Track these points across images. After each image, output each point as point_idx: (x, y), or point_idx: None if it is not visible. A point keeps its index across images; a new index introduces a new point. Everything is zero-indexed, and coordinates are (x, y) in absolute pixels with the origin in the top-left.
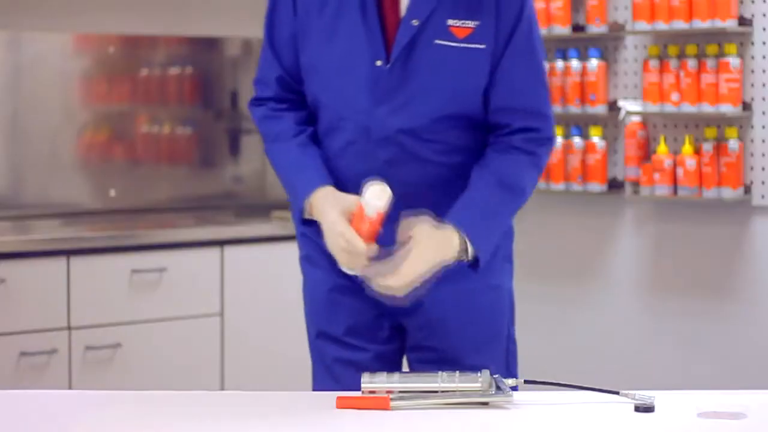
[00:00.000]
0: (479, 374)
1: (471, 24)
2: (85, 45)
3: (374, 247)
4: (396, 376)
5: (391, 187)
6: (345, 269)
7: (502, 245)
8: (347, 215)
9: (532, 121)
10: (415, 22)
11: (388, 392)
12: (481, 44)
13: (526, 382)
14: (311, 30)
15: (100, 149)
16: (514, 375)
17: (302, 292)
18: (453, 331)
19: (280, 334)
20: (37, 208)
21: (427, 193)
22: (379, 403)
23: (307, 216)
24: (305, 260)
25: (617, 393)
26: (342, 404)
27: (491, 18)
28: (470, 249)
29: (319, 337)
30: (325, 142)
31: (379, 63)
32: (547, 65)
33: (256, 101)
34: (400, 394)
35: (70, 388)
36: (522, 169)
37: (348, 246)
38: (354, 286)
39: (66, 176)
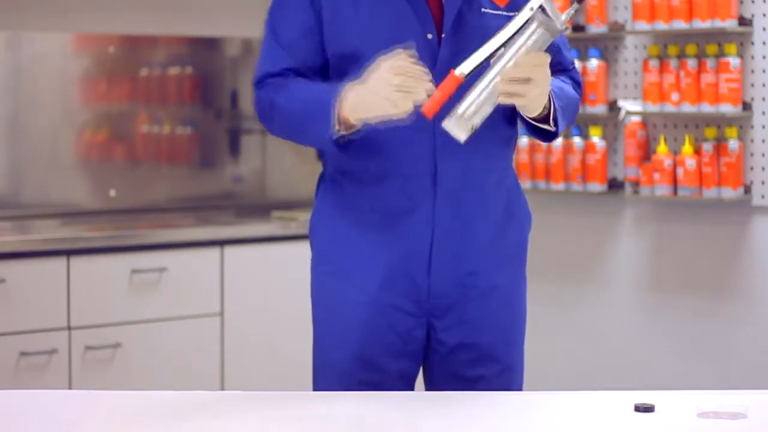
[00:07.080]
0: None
1: None
2: (85, 45)
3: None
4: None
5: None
6: (401, 109)
7: (520, 252)
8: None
9: (573, 73)
10: None
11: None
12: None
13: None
14: (346, 19)
15: (100, 149)
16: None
17: (318, 306)
18: (490, 324)
19: (280, 334)
20: (37, 208)
21: (474, 162)
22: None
23: (337, 123)
24: (333, 275)
25: None
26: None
27: None
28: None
29: (354, 360)
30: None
31: (430, 36)
32: None
33: (262, 82)
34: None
35: (70, 388)
36: (571, 90)
37: (407, 70)
38: (391, 298)
39: (66, 176)
